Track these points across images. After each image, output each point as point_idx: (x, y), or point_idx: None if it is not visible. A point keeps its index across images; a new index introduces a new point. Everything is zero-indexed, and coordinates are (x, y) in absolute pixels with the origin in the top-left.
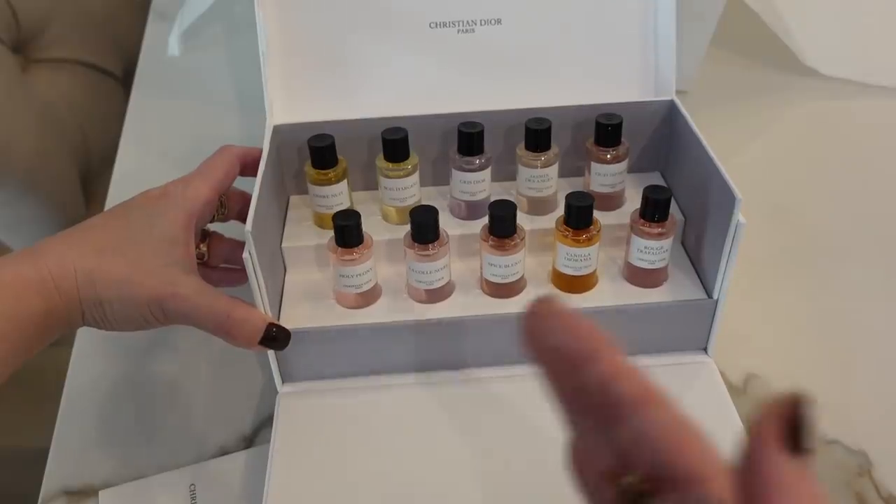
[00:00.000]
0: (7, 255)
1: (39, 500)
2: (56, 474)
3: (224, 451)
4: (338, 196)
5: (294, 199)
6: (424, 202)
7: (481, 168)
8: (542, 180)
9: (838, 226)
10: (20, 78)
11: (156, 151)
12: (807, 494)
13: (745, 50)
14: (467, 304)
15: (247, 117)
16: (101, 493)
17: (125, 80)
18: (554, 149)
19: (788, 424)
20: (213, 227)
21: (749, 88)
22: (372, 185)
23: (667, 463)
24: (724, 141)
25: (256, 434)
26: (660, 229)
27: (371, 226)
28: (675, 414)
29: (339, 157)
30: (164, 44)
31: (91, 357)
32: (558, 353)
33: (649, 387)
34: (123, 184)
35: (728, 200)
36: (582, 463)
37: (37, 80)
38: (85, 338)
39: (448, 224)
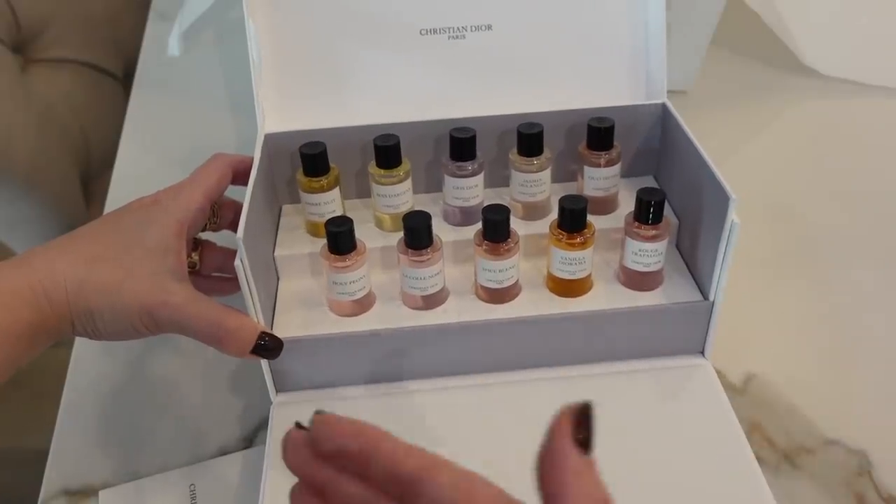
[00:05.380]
0: None
1: (39, 500)
2: (56, 474)
3: (224, 451)
4: (330, 203)
5: (287, 207)
6: (418, 209)
7: (474, 174)
8: (536, 185)
9: (838, 225)
10: (20, 78)
11: (156, 151)
12: (592, 482)
13: (745, 50)
14: (462, 309)
15: (247, 117)
16: (101, 493)
17: (125, 80)
18: (546, 153)
19: (578, 423)
20: (205, 236)
21: (749, 88)
22: (365, 192)
23: None
24: (724, 140)
25: (256, 434)
26: (654, 231)
27: (365, 233)
28: (459, 470)
29: (331, 164)
30: (164, 44)
31: (91, 357)
32: (343, 455)
33: (428, 455)
34: (123, 184)
35: (722, 201)
36: None
37: (37, 80)
38: (85, 338)
39: (442, 230)
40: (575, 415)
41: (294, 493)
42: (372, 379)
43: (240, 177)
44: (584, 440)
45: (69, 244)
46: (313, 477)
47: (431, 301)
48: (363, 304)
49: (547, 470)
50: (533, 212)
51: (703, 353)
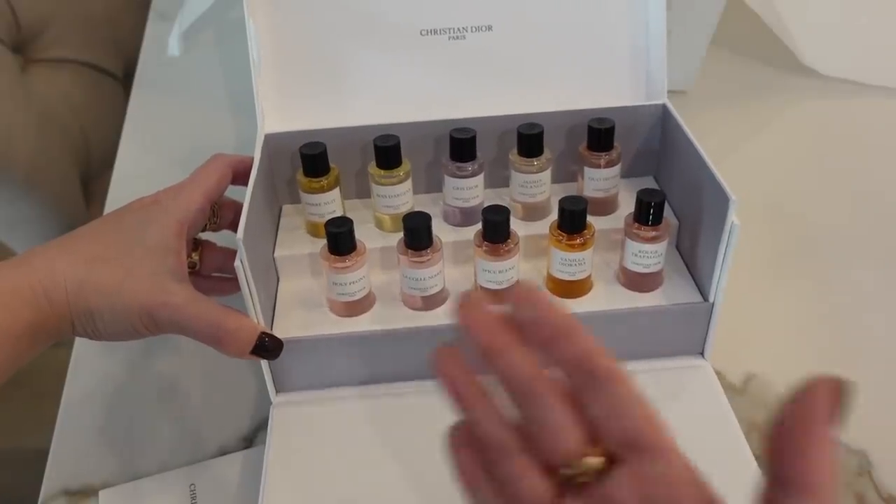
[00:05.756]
0: None
1: (39, 500)
2: (56, 474)
3: (224, 451)
4: (330, 204)
5: (287, 207)
6: (418, 209)
7: (474, 174)
8: (536, 186)
9: (838, 225)
10: (20, 78)
11: (156, 151)
12: (830, 458)
13: (745, 50)
14: None
15: (247, 118)
16: (101, 493)
17: (125, 80)
18: (546, 154)
19: (839, 400)
20: (205, 236)
21: (749, 88)
22: (365, 192)
23: (636, 432)
24: (724, 140)
25: (256, 434)
26: (654, 233)
27: (364, 234)
28: (638, 391)
29: (332, 164)
30: (164, 44)
31: (91, 357)
32: (539, 325)
33: (618, 365)
34: (123, 184)
35: (722, 202)
36: (532, 447)
37: (37, 80)
38: (85, 338)
39: (442, 231)
40: (835, 392)
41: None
42: (371, 379)
43: (240, 177)
44: (837, 421)
45: (69, 244)
46: (492, 338)
47: (431, 302)
48: (363, 305)
49: (796, 450)
50: (533, 212)
51: (702, 353)
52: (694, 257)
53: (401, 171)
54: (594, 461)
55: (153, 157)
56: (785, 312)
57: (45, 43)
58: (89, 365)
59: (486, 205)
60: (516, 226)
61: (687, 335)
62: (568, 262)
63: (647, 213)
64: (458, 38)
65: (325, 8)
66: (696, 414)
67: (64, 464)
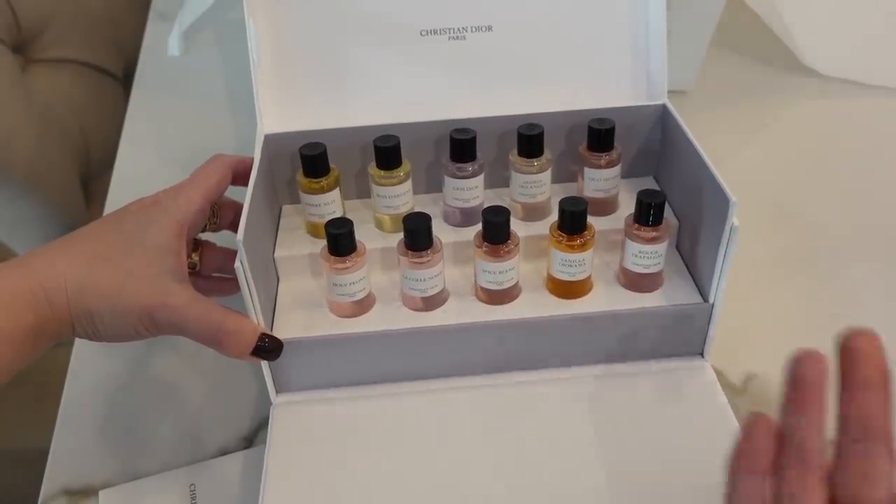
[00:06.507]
0: None
1: (39, 500)
2: (56, 474)
3: (224, 451)
4: (330, 205)
5: (287, 207)
6: (418, 209)
7: (474, 175)
8: (536, 186)
9: (838, 225)
10: (20, 78)
11: (156, 151)
12: None
13: (745, 50)
14: (462, 311)
15: (247, 117)
16: (101, 493)
17: (125, 80)
18: (547, 154)
19: None
20: (205, 236)
21: (749, 88)
22: (365, 193)
23: None
24: (724, 141)
25: (256, 434)
26: (654, 233)
27: (365, 234)
28: None
29: (331, 165)
30: (164, 44)
31: (91, 357)
32: None
33: None
34: (124, 184)
35: (722, 203)
36: None
37: (37, 80)
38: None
39: (442, 231)
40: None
41: None
42: (372, 380)
43: (240, 178)
44: None
45: (69, 244)
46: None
47: (431, 302)
48: (363, 306)
49: None
50: (533, 213)
51: (702, 354)
52: (694, 258)
53: (401, 172)
54: None
55: (153, 157)
56: (785, 312)
57: (45, 43)
58: (89, 365)
59: (486, 205)
60: (516, 226)
61: (687, 336)
62: (568, 263)
63: (648, 213)
64: (458, 38)
65: (326, 8)
66: (696, 414)
67: (64, 464)
